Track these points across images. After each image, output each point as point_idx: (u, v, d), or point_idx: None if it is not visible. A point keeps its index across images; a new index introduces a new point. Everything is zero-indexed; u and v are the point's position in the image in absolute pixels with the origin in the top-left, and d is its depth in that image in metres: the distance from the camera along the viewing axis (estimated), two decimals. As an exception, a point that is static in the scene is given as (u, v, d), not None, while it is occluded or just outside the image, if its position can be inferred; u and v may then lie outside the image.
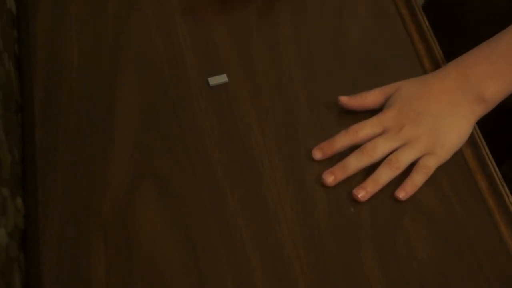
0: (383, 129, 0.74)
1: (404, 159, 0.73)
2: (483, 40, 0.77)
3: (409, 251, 0.69)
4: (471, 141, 0.76)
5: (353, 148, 0.75)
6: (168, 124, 0.79)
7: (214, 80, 0.81)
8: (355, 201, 0.72)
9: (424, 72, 0.82)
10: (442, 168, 0.74)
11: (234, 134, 0.78)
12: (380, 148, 0.73)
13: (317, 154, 0.75)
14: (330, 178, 0.73)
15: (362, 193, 0.72)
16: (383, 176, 0.72)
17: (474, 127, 0.76)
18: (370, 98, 0.77)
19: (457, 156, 0.75)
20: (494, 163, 0.75)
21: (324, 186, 0.74)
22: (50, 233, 0.71)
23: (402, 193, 0.72)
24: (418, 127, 0.73)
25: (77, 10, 0.91)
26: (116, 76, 0.84)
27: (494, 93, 0.74)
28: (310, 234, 0.71)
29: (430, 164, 0.73)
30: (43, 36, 0.88)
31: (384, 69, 0.83)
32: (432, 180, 0.74)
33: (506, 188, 0.74)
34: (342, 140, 0.74)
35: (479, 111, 0.74)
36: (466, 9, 0.97)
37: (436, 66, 0.83)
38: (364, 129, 0.74)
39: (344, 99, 0.78)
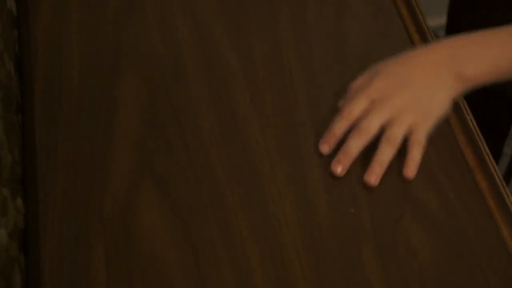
0: (371, 101, 0.75)
1: (399, 132, 0.74)
2: None
3: (409, 251, 0.69)
4: (471, 140, 0.76)
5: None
6: (168, 124, 0.79)
7: None
8: (355, 201, 0.72)
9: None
10: (442, 168, 0.74)
11: (234, 134, 0.78)
12: (374, 123, 0.74)
13: (324, 148, 0.76)
14: (338, 168, 0.74)
15: (373, 178, 0.73)
16: (386, 155, 0.74)
17: (473, 124, 0.77)
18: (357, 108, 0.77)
19: (457, 156, 0.75)
20: (494, 163, 0.75)
21: (324, 186, 0.74)
22: (50, 233, 0.71)
23: (409, 171, 0.74)
24: (405, 96, 0.75)
25: (78, 10, 0.91)
26: (116, 76, 0.84)
27: (476, 74, 0.75)
28: (310, 234, 0.71)
29: (421, 137, 0.74)
30: (43, 36, 0.88)
31: (384, 69, 0.83)
32: (432, 181, 0.74)
33: (506, 188, 0.74)
34: (340, 125, 0.76)
35: (459, 88, 0.76)
36: None
37: (436, 66, 0.83)
38: (356, 107, 0.75)
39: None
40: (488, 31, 0.77)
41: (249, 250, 0.70)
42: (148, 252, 0.70)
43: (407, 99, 0.75)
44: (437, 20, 1.39)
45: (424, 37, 0.85)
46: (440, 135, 0.76)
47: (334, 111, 0.79)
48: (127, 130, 0.79)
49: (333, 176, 0.74)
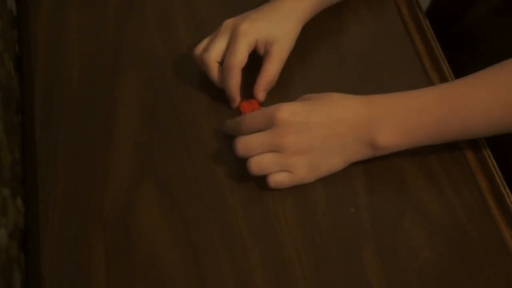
0: (274, 147, 0.71)
1: (281, 181, 0.73)
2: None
3: (409, 251, 0.69)
4: (471, 140, 0.76)
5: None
6: (168, 124, 0.79)
7: None
8: (355, 201, 0.72)
9: (425, 71, 0.82)
10: (442, 168, 0.74)
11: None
12: (267, 165, 0.72)
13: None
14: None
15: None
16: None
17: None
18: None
19: (458, 156, 0.75)
20: (494, 163, 0.75)
21: (324, 186, 0.73)
22: (50, 233, 0.71)
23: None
24: (303, 163, 0.72)
25: (78, 10, 0.91)
26: (116, 76, 0.84)
27: (389, 145, 0.71)
28: (311, 234, 0.71)
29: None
30: (43, 36, 0.88)
31: (384, 69, 0.83)
32: (432, 181, 0.74)
33: (506, 188, 0.73)
34: (232, 129, 0.75)
35: (366, 154, 0.73)
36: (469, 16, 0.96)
37: (437, 65, 0.83)
38: (256, 144, 0.72)
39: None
40: (410, 93, 0.72)
41: (249, 250, 0.70)
42: (148, 252, 0.70)
43: (304, 167, 0.72)
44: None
45: (425, 37, 0.85)
46: (440, 135, 0.76)
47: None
48: (127, 130, 0.79)
49: (333, 176, 0.74)
